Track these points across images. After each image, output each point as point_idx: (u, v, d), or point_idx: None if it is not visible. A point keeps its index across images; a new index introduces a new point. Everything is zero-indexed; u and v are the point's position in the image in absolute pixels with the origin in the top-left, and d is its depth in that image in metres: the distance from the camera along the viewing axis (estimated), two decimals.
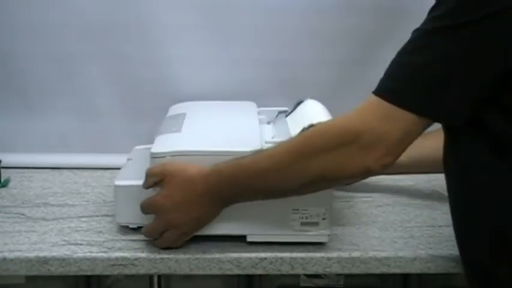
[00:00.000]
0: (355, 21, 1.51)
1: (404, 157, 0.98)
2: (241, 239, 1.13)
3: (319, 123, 1.07)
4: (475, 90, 0.91)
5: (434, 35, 0.91)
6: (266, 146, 1.12)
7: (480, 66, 0.89)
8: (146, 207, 1.10)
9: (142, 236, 1.13)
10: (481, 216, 0.97)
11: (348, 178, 1.03)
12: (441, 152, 1.03)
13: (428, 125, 0.94)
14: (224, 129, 1.24)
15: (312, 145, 0.99)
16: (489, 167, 0.94)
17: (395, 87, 0.93)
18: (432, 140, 1.10)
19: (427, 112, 0.92)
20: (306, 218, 1.12)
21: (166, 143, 1.15)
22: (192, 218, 1.08)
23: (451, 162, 1.00)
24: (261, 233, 1.12)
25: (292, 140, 1.04)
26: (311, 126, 1.13)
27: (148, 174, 1.09)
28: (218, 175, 1.05)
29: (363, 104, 0.96)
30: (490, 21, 0.87)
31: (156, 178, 1.08)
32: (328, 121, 1.06)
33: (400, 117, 0.92)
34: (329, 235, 1.13)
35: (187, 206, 1.07)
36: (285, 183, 1.02)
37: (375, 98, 0.95)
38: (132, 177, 1.17)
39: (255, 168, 1.03)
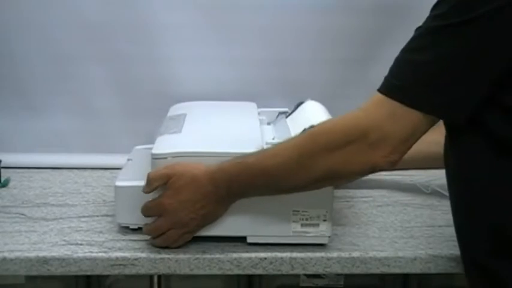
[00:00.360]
0: (355, 21, 1.51)
1: (407, 154, 0.98)
2: (241, 239, 1.13)
3: (325, 121, 1.07)
4: (478, 88, 0.91)
5: (436, 33, 0.91)
6: (267, 147, 1.12)
7: (482, 64, 0.90)
8: (151, 209, 1.10)
9: (143, 236, 1.13)
10: (482, 214, 0.97)
11: (354, 175, 1.04)
12: (441, 147, 1.04)
13: (434, 122, 0.95)
14: (225, 130, 1.24)
15: (318, 143, 1.00)
16: (489, 165, 0.94)
17: (399, 85, 0.94)
18: (432, 136, 1.11)
19: (431, 109, 0.93)
20: (307, 219, 1.12)
21: (167, 144, 1.15)
22: (199, 216, 1.08)
23: (452, 160, 1.00)
24: (261, 234, 1.12)
25: (297, 138, 1.04)
26: (312, 127, 1.13)
27: (153, 178, 1.09)
28: (224, 174, 1.06)
29: (368, 102, 0.97)
30: (491, 18, 0.88)
31: (161, 181, 1.08)
32: (334, 119, 1.06)
33: (406, 115, 0.93)
34: (329, 236, 1.13)
35: (194, 204, 1.07)
36: (291, 181, 1.02)
37: (380, 96, 0.95)
38: (133, 178, 1.17)
39: (260, 167, 1.03)
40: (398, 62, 0.95)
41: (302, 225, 1.12)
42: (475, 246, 0.99)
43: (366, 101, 0.97)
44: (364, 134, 0.95)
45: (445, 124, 0.99)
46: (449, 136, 1.00)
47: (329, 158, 0.98)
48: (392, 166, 0.97)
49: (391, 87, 0.94)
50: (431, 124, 0.95)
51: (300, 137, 1.04)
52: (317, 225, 1.12)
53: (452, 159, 1.00)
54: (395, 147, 0.95)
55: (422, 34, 0.93)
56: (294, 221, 1.12)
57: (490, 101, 0.91)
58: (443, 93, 0.91)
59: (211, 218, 1.10)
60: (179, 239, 1.10)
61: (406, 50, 0.95)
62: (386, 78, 0.96)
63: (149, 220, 1.11)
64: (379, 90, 0.96)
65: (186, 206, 1.07)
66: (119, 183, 1.18)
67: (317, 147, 0.99)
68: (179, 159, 1.10)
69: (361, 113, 0.97)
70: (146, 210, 1.10)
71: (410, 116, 0.93)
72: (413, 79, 0.93)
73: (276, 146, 1.06)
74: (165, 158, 1.10)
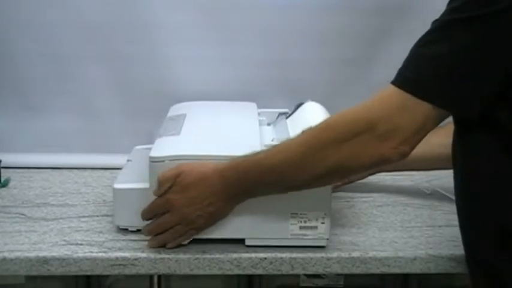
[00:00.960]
0: (355, 21, 1.51)
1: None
2: (240, 241, 1.13)
3: (334, 115, 1.06)
4: (489, 83, 0.91)
5: (451, 26, 0.91)
6: (277, 143, 1.12)
7: (493, 60, 0.90)
8: (159, 206, 1.09)
9: (142, 236, 1.13)
10: (488, 213, 0.96)
11: (363, 168, 1.02)
12: (444, 149, 1.03)
13: (445, 116, 0.94)
14: (224, 132, 1.24)
15: (326, 136, 0.99)
16: (497, 162, 0.94)
17: (412, 77, 0.93)
18: (436, 138, 1.10)
19: (442, 103, 0.92)
20: (305, 222, 1.12)
21: (165, 147, 1.15)
22: (206, 213, 1.08)
23: (460, 158, 1.00)
24: (259, 237, 1.12)
25: (306, 132, 1.03)
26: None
27: (163, 179, 1.08)
28: (234, 170, 1.05)
29: (379, 93, 0.96)
30: (506, 14, 0.87)
31: (171, 181, 1.07)
32: (343, 111, 1.04)
33: (417, 107, 0.92)
34: (327, 239, 1.13)
35: (201, 201, 1.07)
36: (300, 176, 1.02)
37: (392, 88, 0.94)
38: (131, 180, 1.17)
39: (270, 163, 1.03)
40: (413, 54, 0.95)
41: (300, 227, 1.12)
42: (480, 245, 0.99)
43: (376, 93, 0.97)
44: (372, 125, 0.94)
45: (455, 120, 0.99)
46: (458, 133, 0.99)
47: (337, 151, 0.97)
48: (402, 158, 0.96)
49: (404, 79, 0.94)
50: (442, 118, 0.94)
51: (309, 131, 1.03)
52: (315, 227, 1.12)
53: (460, 157, 1.00)
54: (405, 139, 0.94)
55: (437, 27, 0.93)
56: (292, 224, 1.11)
57: (500, 97, 0.91)
58: (456, 87, 0.91)
59: (218, 216, 1.09)
60: (185, 234, 1.10)
61: (420, 43, 0.94)
62: (399, 71, 0.95)
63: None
64: (393, 82, 0.95)
65: (194, 202, 1.07)
66: (117, 185, 1.17)
67: (325, 140, 0.99)
68: (177, 162, 1.09)
69: (370, 105, 0.97)
70: (153, 208, 1.10)
71: (421, 108, 0.92)
72: (426, 72, 0.92)
73: (287, 141, 1.06)
74: (163, 161, 1.10)
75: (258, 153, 1.05)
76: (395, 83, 0.95)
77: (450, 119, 0.98)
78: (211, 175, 1.06)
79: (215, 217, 1.10)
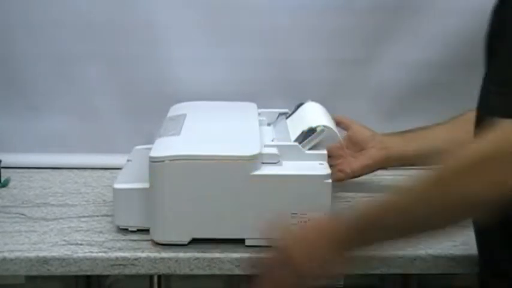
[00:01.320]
0: (355, 21, 1.51)
1: (413, 149, 0.94)
2: (240, 241, 1.13)
3: (468, 142, 0.96)
4: None
5: None
6: (266, 149, 1.12)
7: None
8: (274, 260, 1.00)
9: (142, 236, 1.14)
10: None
11: (495, 197, 0.89)
12: (448, 144, 1.01)
13: None
14: (223, 132, 1.23)
15: (449, 168, 0.91)
16: None
17: None
18: (442, 132, 1.08)
19: None
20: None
21: (165, 147, 1.15)
22: (320, 265, 0.97)
23: None
24: (259, 237, 1.12)
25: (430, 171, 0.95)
26: (311, 129, 1.13)
27: (281, 232, 1.01)
28: (355, 217, 0.96)
29: (492, 128, 0.88)
30: None
31: (290, 234, 1.00)
32: (464, 145, 0.93)
33: None
34: None
35: (319, 253, 0.96)
36: (427, 211, 0.91)
37: (504, 121, 0.87)
38: (131, 180, 1.17)
39: (396, 204, 0.93)
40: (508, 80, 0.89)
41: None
42: (488, 245, 0.99)
43: (485, 130, 0.89)
44: (499, 152, 0.86)
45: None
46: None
47: (464, 180, 0.88)
48: None
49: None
50: None
51: (435, 168, 0.94)
52: None
53: None
54: None
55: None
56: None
57: None
58: None
59: (330, 268, 0.98)
60: (294, 285, 1.00)
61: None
62: (501, 104, 0.89)
63: (149, 222, 1.11)
64: (503, 115, 0.88)
65: (311, 254, 0.97)
66: (117, 185, 1.17)
67: (449, 171, 0.91)
68: (177, 162, 1.09)
69: (490, 138, 0.88)
70: (269, 261, 1.00)
71: None
72: None
73: (416, 179, 0.96)
74: (163, 161, 1.10)
75: (383, 198, 0.96)
76: (504, 114, 0.87)
77: (452, 114, 0.94)
78: (328, 224, 0.99)
79: (327, 268, 0.98)
